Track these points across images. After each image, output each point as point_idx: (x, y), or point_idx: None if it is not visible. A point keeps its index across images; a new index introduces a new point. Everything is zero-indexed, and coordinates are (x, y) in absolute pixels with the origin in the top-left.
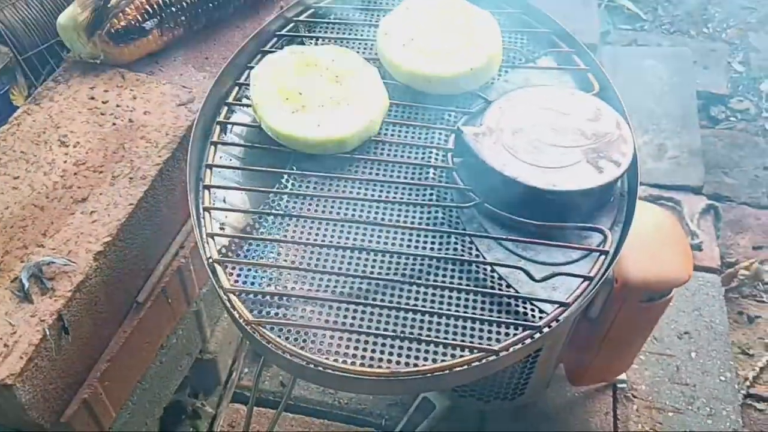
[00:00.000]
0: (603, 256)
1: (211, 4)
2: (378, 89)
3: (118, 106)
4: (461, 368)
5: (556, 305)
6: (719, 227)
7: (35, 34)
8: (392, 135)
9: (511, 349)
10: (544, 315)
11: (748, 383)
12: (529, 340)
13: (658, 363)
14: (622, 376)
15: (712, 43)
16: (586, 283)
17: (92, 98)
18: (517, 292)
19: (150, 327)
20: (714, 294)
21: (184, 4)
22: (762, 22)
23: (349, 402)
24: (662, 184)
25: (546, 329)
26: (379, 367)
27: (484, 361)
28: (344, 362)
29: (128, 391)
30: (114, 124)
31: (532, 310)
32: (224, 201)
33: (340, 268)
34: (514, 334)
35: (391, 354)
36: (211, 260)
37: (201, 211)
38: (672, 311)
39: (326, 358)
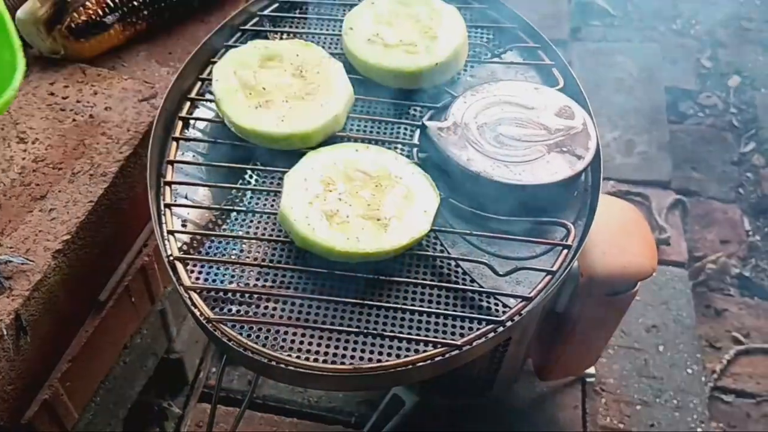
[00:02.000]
0: (566, 250)
1: None
2: (342, 83)
3: (78, 101)
4: (424, 363)
5: (519, 299)
6: (687, 222)
7: None
8: (357, 130)
9: (474, 344)
10: (507, 309)
11: (715, 376)
12: (492, 334)
13: (627, 357)
14: (591, 370)
15: (680, 39)
16: (549, 277)
17: (52, 94)
18: (481, 286)
19: (113, 326)
20: (681, 288)
21: None
22: (730, 18)
23: (318, 400)
24: (631, 179)
25: (509, 323)
26: (342, 363)
27: (447, 355)
28: (306, 359)
29: (91, 392)
30: (74, 120)
31: (496, 304)
32: (186, 197)
33: (303, 264)
34: (478, 329)
35: (354, 350)
36: (171, 258)
37: (162, 207)
38: (640, 305)
39: (288, 355)
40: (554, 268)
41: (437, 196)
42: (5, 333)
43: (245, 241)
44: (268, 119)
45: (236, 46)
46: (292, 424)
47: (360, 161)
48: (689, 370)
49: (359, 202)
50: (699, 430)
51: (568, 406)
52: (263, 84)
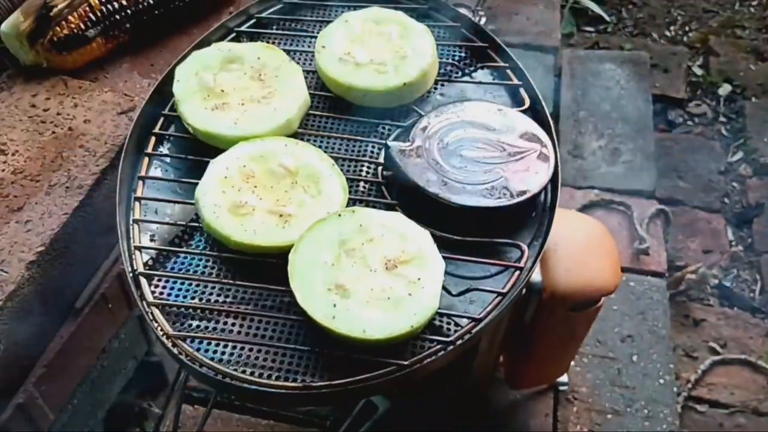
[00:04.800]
0: (518, 272)
1: (156, 11)
2: (298, 88)
3: (58, 114)
4: (373, 381)
5: (469, 320)
6: (669, 231)
7: None
8: (327, 148)
9: (424, 362)
10: (458, 328)
11: (690, 386)
12: (441, 353)
13: (600, 366)
14: (564, 379)
15: (673, 47)
16: (500, 298)
17: (33, 106)
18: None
19: (89, 332)
20: (658, 298)
21: (129, 11)
22: (723, 26)
23: None
24: (614, 189)
25: (459, 342)
26: (294, 380)
27: (397, 374)
28: (260, 375)
29: (67, 394)
30: (53, 132)
31: (448, 323)
32: (156, 212)
33: (263, 281)
34: (429, 347)
35: (306, 367)
36: (133, 273)
37: (130, 223)
38: (616, 315)
39: (243, 372)
40: (505, 290)
41: (345, 199)
42: None
43: (209, 256)
44: (222, 122)
45: None
46: (268, 426)
47: (283, 156)
48: (661, 380)
49: (270, 197)
50: None
51: (540, 414)
52: (222, 86)
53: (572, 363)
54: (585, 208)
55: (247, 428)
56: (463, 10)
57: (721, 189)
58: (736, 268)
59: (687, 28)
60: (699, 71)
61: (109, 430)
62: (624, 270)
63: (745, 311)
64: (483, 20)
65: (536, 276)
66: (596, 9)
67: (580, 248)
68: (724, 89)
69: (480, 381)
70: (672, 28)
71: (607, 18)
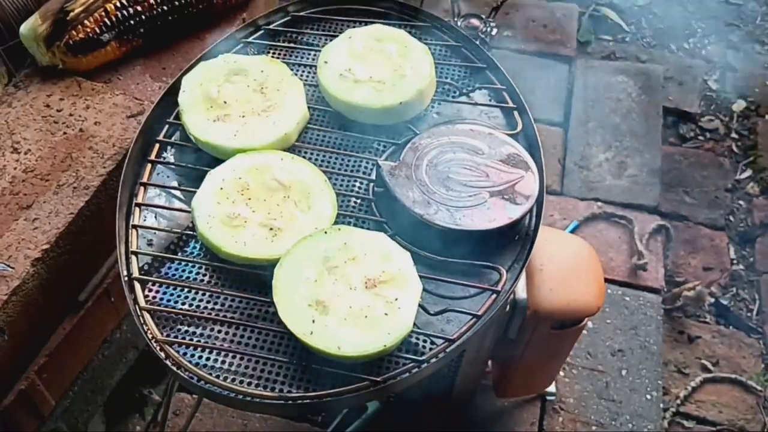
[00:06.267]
0: (494, 295)
1: (170, 17)
2: (298, 103)
3: (71, 115)
4: (346, 396)
5: (444, 340)
6: (670, 247)
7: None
8: (322, 162)
9: (397, 378)
10: (433, 347)
11: (678, 401)
12: (415, 371)
13: (589, 378)
14: (552, 389)
15: (690, 60)
16: (474, 320)
17: (48, 106)
18: (415, 325)
19: (91, 324)
20: (652, 314)
21: (143, 17)
22: (743, 40)
23: None
24: (618, 202)
25: (432, 360)
26: (272, 390)
27: (370, 389)
28: (241, 383)
29: (68, 382)
30: (65, 133)
31: (424, 341)
32: (155, 218)
33: (251, 291)
34: (403, 364)
35: (285, 377)
36: (128, 278)
37: (129, 227)
38: (609, 329)
39: (224, 379)
40: (480, 312)
41: (334, 215)
42: None
43: (202, 264)
44: (223, 133)
45: None
46: (262, 420)
47: (278, 170)
48: (648, 396)
49: (263, 209)
50: None
51: (526, 422)
52: (225, 98)
53: (561, 374)
54: (587, 220)
55: (241, 419)
56: (474, 21)
57: (726, 206)
58: (736, 286)
59: (706, 41)
60: (714, 86)
61: (109, 416)
62: (620, 284)
63: (741, 330)
64: (494, 31)
65: (522, 293)
66: (615, 18)
67: (566, 269)
68: (738, 105)
69: (466, 389)
70: (691, 40)
71: (626, 27)
